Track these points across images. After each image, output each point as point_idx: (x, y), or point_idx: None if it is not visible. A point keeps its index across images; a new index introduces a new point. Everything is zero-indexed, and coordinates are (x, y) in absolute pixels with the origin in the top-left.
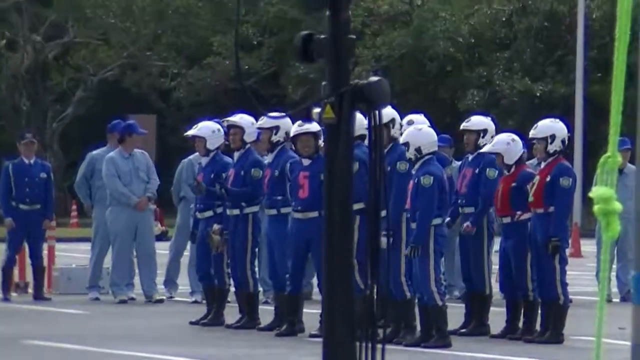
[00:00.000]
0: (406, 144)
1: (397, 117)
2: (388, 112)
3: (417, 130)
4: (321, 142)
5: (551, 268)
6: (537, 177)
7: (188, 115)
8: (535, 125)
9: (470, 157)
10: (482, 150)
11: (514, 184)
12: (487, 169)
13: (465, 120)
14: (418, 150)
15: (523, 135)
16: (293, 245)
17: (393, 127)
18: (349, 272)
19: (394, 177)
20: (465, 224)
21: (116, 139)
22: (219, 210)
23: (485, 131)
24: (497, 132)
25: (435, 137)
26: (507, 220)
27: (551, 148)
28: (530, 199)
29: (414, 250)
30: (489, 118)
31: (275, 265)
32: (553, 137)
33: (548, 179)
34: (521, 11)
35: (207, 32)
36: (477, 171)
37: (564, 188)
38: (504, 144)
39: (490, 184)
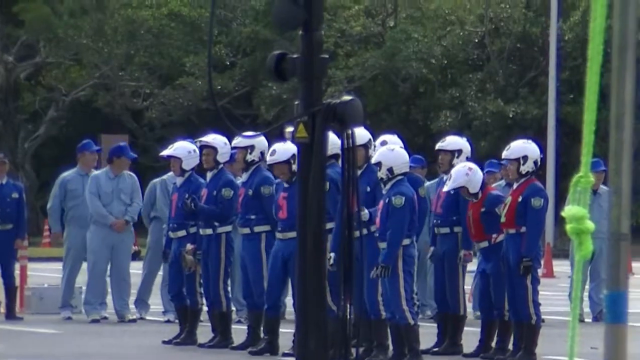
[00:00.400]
0: (378, 164)
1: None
2: (365, 133)
3: (389, 151)
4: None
5: (523, 288)
6: (509, 198)
7: (160, 136)
8: (508, 146)
9: (445, 178)
10: (444, 190)
11: (483, 209)
12: None
13: (441, 141)
14: (390, 170)
15: (495, 157)
16: (271, 264)
17: (370, 148)
18: (322, 292)
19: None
20: (463, 252)
21: (86, 158)
22: (192, 230)
23: (460, 151)
24: (472, 152)
25: (407, 158)
26: (484, 244)
27: (523, 169)
28: (502, 219)
29: (383, 271)
30: (465, 139)
31: (249, 284)
32: (525, 158)
33: (520, 199)
34: (494, 33)
35: (179, 52)
36: (452, 192)
37: (536, 208)
38: (464, 175)
39: (468, 205)
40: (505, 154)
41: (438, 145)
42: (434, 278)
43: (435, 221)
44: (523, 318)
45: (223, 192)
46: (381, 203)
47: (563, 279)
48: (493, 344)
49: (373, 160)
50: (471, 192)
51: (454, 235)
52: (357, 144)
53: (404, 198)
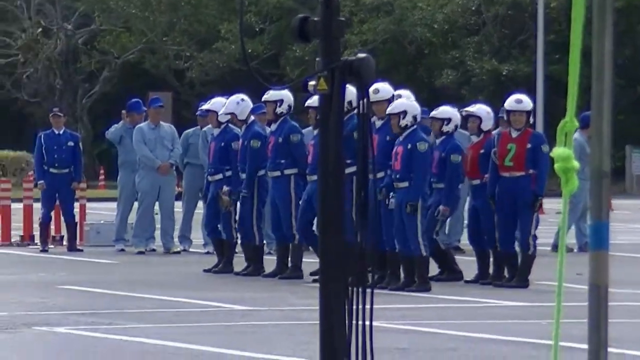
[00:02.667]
0: (403, 113)
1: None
2: (389, 89)
3: (410, 101)
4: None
5: (529, 222)
6: (513, 145)
7: (199, 92)
8: (519, 99)
9: (438, 142)
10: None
11: (482, 151)
12: (451, 155)
13: (435, 110)
14: (415, 117)
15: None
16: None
17: (393, 102)
18: (340, 225)
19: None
20: (442, 208)
21: (133, 117)
22: (228, 173)
23: (449, 120)
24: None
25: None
26: (476, 182)
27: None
28: (509, 163)
29: (412, 208)
30: (455, 109)
31: (279, 221)
32: (530, 112)
33: (529, 146)
34: (488, 1)
35: (215, 20)
36: (442, 155)
37: (546, 154)
38: (486, 112)
39: (455, 167)
40: (519, 105)
41: (432, 114)
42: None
43: (432, 179)
44: (524, 248)
45: (252, 144)
46: (400, 148)
47: (551, 215)
48: (490, 271)
49: (396, 110)
50: (482, 128)
51: (438, 190)
52: (382, 99)
53: (427, 144)
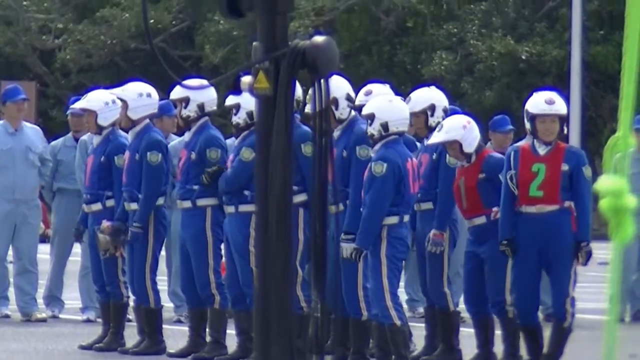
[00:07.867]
0: (371, 117)
1: (350, 89)
2: (345, 84)
3: (388, 102)
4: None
5: (567, 279)
6: (542, 165)
7: (76, 83)
8: (551, 99)
9: (426, 142)
10: (431, 142)
11: (481, 175)
12: (447, 155)
13: (406, 101)
14: (384, 126)
15: (504, 110)
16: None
17: (337, 109)
18: (287, 282)
19: (354, 166)
20: (433, 232)
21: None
22: (110, 203)
23: (432, 107)
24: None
25: (408, 115)
26: (480, 221)
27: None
28: (538, 193)
29: (355, 253)
30: (432, 87)
31: (190, 273)
32: (565, 117)
33: (565, 167)
34: None
35: None
36: (434, 157)
37: (589, 180)
38: (460, 128)
39: (452, 173)
40: (551, 108)
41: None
42: (419, 266)
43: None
44: (559, 316)
45: (149, 158)
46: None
47: (593, 267)
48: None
49: (365, 111)
50: (465, 151)
51: (424, 216)
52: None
53: (385, 165)
